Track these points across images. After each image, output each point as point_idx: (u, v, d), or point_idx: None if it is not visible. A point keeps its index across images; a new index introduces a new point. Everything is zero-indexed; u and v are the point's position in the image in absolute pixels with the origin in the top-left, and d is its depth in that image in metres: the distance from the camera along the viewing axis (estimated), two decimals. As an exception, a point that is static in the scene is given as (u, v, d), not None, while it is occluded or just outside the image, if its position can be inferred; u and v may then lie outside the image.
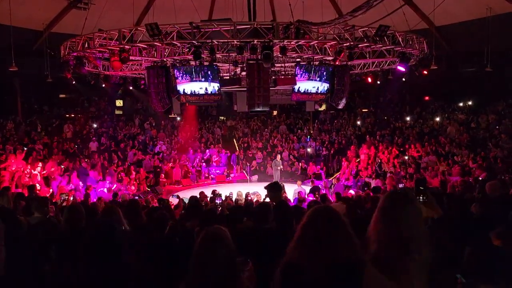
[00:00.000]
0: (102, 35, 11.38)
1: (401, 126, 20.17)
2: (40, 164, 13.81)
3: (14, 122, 18.91)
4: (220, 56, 12.66)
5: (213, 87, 12.46)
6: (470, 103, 21.23)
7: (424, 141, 16.98)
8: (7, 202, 5.87)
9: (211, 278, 2.18)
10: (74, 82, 15.01)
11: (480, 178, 10.87)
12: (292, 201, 12.18)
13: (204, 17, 16.89)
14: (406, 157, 16.38)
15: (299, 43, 11.62)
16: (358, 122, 22.33)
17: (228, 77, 14.33)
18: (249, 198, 12.38)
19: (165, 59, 12.85)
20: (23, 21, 16.25)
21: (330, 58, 12.86)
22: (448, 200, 6.37)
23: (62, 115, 22.02)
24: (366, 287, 1.96)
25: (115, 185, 14.89)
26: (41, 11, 16.62)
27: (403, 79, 15.77)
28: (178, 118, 22.65)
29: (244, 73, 12.99)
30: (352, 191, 12.73)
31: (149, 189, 16.58)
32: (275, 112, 24.96)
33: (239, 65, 13.10)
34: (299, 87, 13.21)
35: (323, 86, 13.46)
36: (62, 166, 15.11)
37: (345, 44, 11.54)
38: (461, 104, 21.51)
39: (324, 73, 13.26)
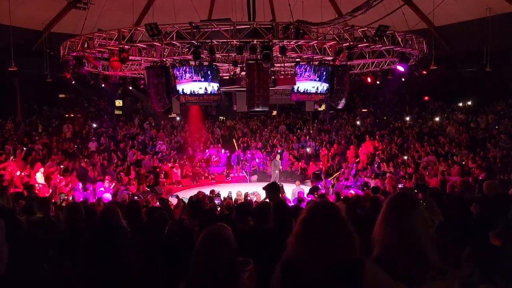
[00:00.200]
0: (102, 35, 11.37)
1: (400, 126, 20.18)
2: (42, 170, 13.77)
3: (13, 122, 18.91)
4: (220, 56, 12.66)
5: (213, 87, 12.45)
6: (469, 103, 21.24)
7: (424, 141, 16.99)
8: (6, 201, 5.87)
9: (211, 278, 2.18)
10: (73, 82, 14.99)
11: (480, 178, 10.87)
12: (291, 201, 12.20)
13: (204, 17, 16.89)
14: (406, 157, 16.40)
15: (299, 43, 11.61)
16: (358, 122, 22.35)
17: (227, 77, 14.33)
18: (249, 198, 12.39)
19: (164, 59, 12.85)
20: (22, 21, 16.24)
21: (330, 58, 12.86)
22: (448, 200, 6.38)
23: (62, 115, 22.01)
24: (367, 285, 1.96)
25: (113, 184, 14.87)
26: (40, 11, 16.60)
27: (403, 79, 15.77)
28: (178, 118, 22.66)
29: (243, 73, 12.98)
30: (352, 191, 12.76)
31: (148, 189, 16.57)
32: (274, 112, 24.97)
33: (238, 65, 13.08)
34: (298, 87, 13.20)
35: (322, 86, 13.45)
36: (62, 166, 15.10)
37: (344, 44, 11.53)
38: (460, 104, 21.52)
39: (324, 73, 13.26)
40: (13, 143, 15.80)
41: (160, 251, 4.17)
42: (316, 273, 1.98)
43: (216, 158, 20.30)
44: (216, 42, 11.02)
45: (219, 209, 9.16)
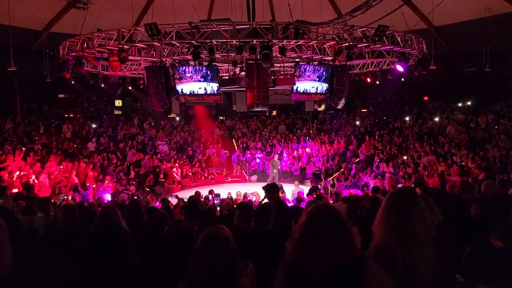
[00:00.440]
0: (101, 35, 11.36)
1: (400, 126, 20.19)
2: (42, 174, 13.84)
3: (13, 122, 18.90)
4: (219, 56, 12.66)
5: (212, 87, 12.45)
6: (469, 103, 21.25)
7: (423, 141, 17.00)
8: (6, 201, 5.88)
9: (211, 278, 2.18)
10: (73, 82, 14.99)
11: (479, 178, 10.89)
12: (291, 201, 12.20)
13: (203, 17, 16.90)
14: (405, 157, 16.41)
15: (298, 43, 11.61)
16: (357, 122, 22.35)
17: (227, 77, 14.33)
18: (248, 198, 12.39)
19: (164, 59, 12.84)
20: (22, 21, 16.23)
21: (329, 58, 12.86)
22: (447, 200, 6.39)
23: (61, 115, 22.00)
24: (368, 283, 1.96)
25: (110, 184, 14.88)
26: (40, 11, 16.59)
27: (402, 79, 15.78)
28: (177, 118, 22.67)
29: (243, 73, 12.98)
30: (352, 191, 12.76)
31: (148, 189, 16.56)
32: (274, 112, 24.98)
33: (238, 65, 13.09)
34: (298, 87, 13.20)
35: (322, 86, 13.45)
36: (61, 166, 15.10)
37: (344, 44, 11.53)
38: (460, 104, 21.53)
39: (323, 73, 13.26)
40: (12, 143, 15.80)
41: (160, 251, 4.17)
42: (318, 274, 1.98)
43: (216, 158, 20.31)
44: (215, 42, 11.02)
45: (218, 209, 9.17)
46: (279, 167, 18.30)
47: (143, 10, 17.74)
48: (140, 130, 21.61)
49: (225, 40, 10.81)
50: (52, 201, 10.46)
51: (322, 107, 17.81)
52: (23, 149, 15.44)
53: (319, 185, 15.25)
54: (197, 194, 11.36)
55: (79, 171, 15.27)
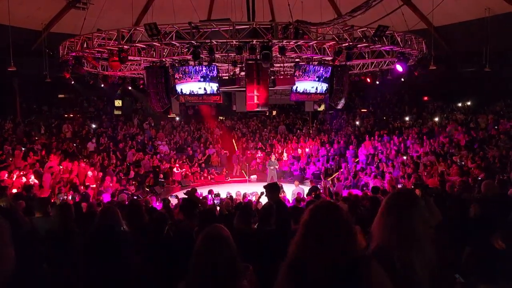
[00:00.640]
0: (101, 35, 11.35)
1: (400, 126, 20.19)
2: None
3: (13, 122, 18.90)
4: (219, 56, 12.65)
5: (212, 87, 12.46)
6: (469, 103, 21.26)
7: (423, 141, 17.00)
8: (6, 202, 5.87)
9: (211, 278, 2.18)
10: (73, 82, 15.00)
11: (479, 178, 10.89)
12: (290, 201, 12.20)
13: (203, 17, 16.90)
14: (405, 157, 16.40)
15: (298, 43, 11.61)
16: (357, 122, 22.35)
17: (227, 77, 14.33)
18: (248, 198, 12.39)
19: (164, 59, 12.84)
20: (22, 21, 16.22)
21: (329, 58, 12.86)
22: (447, 200, 6.39)
23: (61, 115, 22.01)
24: (370, 284, 1.96)
25: (110, 184, 14.88)
26: (40, 11, 16.59)
27: (402, 79, 15.78)
28: (177, 118, 22.67)
29: (243, 73, 12.98)
30: (352, 191, 12.75)
31: (148, 189, 16.56)
32: (274, 112, 24.97)
33: (238, 65, 13.09)
34: (297, 87, 13.20)
35: (322, 86, 13.45)
36: (61, 167, 15.10)
37: (344, 44, 11.53)
38: (460, 104, 21.54)
39: (323, 73, 13.25)
40: (12, 143, 15.80)
41: (160, 251, 4.16)
42: (319, 274, 1.98)
43: (216, 158, 20.30)
44: (215, 42, 11.01)
45: (218, 209, 9.18)
46: (276, 166, 18.29)
47: (143, 10, 17.74)
48: (140, 130, 21.61)
49: (225, 40, 10.80)
50: (52, 201, 10.47)
51: (322, 107, 17.81)
52: (23, 149, 15.44)
53: (319, 185, 15.25)
54: (193, 190, 11.37)
55: (79, 171, 15.27)
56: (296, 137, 22.08)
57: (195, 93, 12.61)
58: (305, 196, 12.26)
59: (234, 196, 12.66)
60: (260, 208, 5.87)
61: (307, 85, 13.25)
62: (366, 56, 13.68)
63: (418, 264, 2.19)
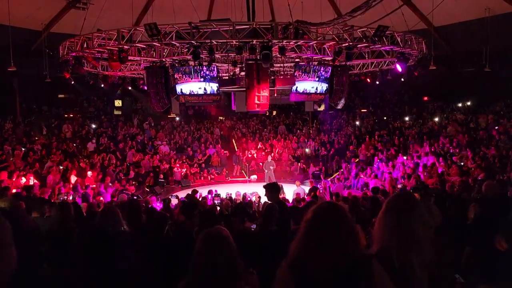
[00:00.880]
0: (101, 35, 11.36)
1: (400, 126, 20.19)
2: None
3: (13, 123, 18.90)
4: (219, 56, 12.66)
5: (212, 87, 12.46)
6: (469, 103, 21.26)
7: (423, 141, 17.00)
8: (7, 202, 5.88)
9: (212, 278, 2.18)
10: (73, 82, 14.99)
11: (479, 178, 10.88)
12: (290, 201, 12.20)
13: (203, 17, 16.89)
14: (405, 157, 16.40)
15: (298, 43, 11.62)
16: (357, 122, 22.35)
17: (227, 77, 14.33)
18: (248, 198, 12.40)
19: (164, 59, 12.84)
20: (22, 21, 16.22)
21: (329, 58, 12.86)
22: (447, 200, 6.38)
23: (61, 115, 22.01)
24: (372, 284, 1.96)
25: (110, 184, 14.87)
26: (40, 11, 16.58)
27: (402, 79, 15.78)
28: (177, 118, 22.67)
29: (243, 73, 12.99)
30: (351, 192, 12.76)
31: (148, 189, 16.56)
32: (274, 112, 24.97)
33: (238, 65, 13.09)
34: (297, 87, 13.21)
35: (322, 86, 13.45)
36: (61, 167, 15.09)
37: (344, 45, 11.53)
38: (460, 105, 21.54)
39: (323, 73, 13.26)
40: (12, 144, 15.79)
41: (160, 251, 4.17)
42: (321, 274, 1.98)
43: (216, 158, 20.30)
44: (215, 42, 11.02)
45: (218, 209, 9.18)
46: (274, 167, 18.29)
47: (143, 10, 17.74)
48: (140, 130, 21.60)
49: (225, 40, 10.81)
50: (52, 201, 10.47)
51: (322, 107, 17.82)
52: (23, 149, 15.44)
53: (319, 185, 15.25)
54: (194, 191, 11.38)
55: (79, 171, 15.27)
56: (297, 137, 22.07)
57: (195, 93, 12.62)
58: (305, 196, 12.27)
59: (234, 197, 12.66)
60: (261, 209, 5.86)
61: (307, 85, 13.26)
62: (366, 56, 13.68)
63: (417, 265, 2.20)
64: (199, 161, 19.99)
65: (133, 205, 5.03)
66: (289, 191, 14.12)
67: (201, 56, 11.16)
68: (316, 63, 13.20)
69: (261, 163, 19.44)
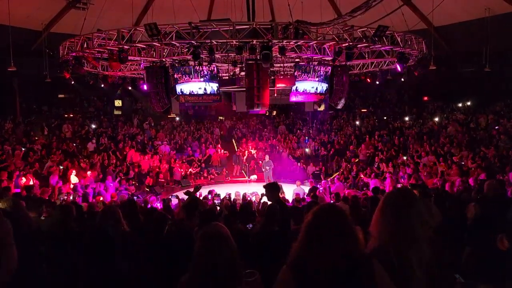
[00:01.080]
0: (101, 35, 11.36)
1: (400, 126, 20.19)
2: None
3: (13, 123, 18.90)
4: (219, 56, 12.65)
5: (212, 87, 12.46)
6: (469, 103, 21.26)
7: (423, 141, 16.99)
8: (8, 203, 5.89)
9: (212, 277, 2.18)
10: (73, 82, 14.99)
11: (479, 178, 10.88)
12: (290, 201, 12.19)
13: (203, 17, 16.89)
14: (405, 157, 16.40)
15: (298, 43, 11.61)
16: (357, 122, 22.34)
17: (227, 77, 14.33)
18: (248, 198, 12.38)
19: (164, 59, 12.84)
20: (22, 21, 16.23)
21: (329, 58, 12.86)
22: (448, 200, 6.38)
23: (61, 115, 22.01)
24: (373, 284, 1.97)
25: (110, 184, 14.87)
26: (40, 11, 16.59)
27: (402, 79, 15.77)
28: (177, 118, 22.67)
29: (243, 73, 12.98)
30: (351, 192, 12.75)
31: (148, 189, 16.55)
32: (274, 112, 24.97)
33: (238, 65, 13.09)
34: (297, 87, 13.20)
35: (322, 86, 13.45)
36: (61, 167, 15.09)
37: (344, 45, 11.53)
38: (460, 105, 21.54)
39: (323, 73, 13.26)
40: (12, 144, 15.79)
41: (160, 251, 4.17)
42: (322, 274, 1.98)
43: (216, 158, 20.29)
44: (215, 42, 11.01)
45: (218, 208, 9.17)
46: (267, 167, 18.29)
47: (143, 10, 17.74)
48: (140, 130, 21.59)
49: (225, 40, 10.80)
50: (52, 201, 10.47)
51: (322, 107, 17.82)
52: (23, 149, 15.43)
53: (319, 185, 15.25)
54: (196, 188, 11.36)
55: (79, 171, 15.26)
56: (297, 137, 22.06)
57: (195, 93, 12.61)
58: (305, 196, 12.26)
59: (233, 197, 12.65)
60: (261, 209, 5.85)
61: (307, 85, 13.25)
62: (366, 56, 13.68)
63: (416, 263, 2.19)
64: (199, 161, 19.97)
65: (130, 205, 5.04)
66: (289, 191, 14.11)
67: (201, 56, 11.16)
68: (316, 63, 13.20)
69: (260, 162, 19.44)
